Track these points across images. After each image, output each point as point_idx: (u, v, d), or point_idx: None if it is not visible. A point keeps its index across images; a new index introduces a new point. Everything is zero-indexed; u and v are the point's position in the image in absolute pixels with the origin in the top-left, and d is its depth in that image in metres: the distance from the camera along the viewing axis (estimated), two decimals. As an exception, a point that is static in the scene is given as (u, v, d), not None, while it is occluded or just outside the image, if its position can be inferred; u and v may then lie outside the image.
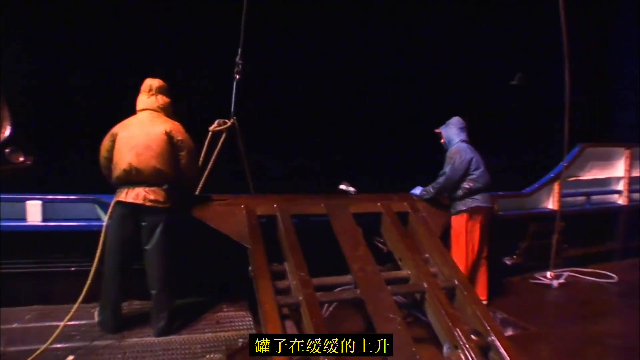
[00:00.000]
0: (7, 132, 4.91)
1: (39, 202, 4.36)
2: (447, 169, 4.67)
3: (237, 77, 4.92)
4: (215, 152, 4.86)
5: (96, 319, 4.05)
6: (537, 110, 8.64)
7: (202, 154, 4.80)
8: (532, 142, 8.76)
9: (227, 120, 4.93)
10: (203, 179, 4.77)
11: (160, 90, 4.13)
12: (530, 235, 5.96)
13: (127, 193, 3.89)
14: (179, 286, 4.21)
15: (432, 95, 8.44)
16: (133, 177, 3.89)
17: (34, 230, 4.30)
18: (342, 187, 5.02)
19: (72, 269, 4.34)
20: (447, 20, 8.48)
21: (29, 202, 4.36)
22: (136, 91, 4.18)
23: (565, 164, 6.16)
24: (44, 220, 4.37)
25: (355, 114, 8.66)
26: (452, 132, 4.86)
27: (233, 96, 4.94)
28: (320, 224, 4.41)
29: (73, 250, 4.31)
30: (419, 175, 5.25)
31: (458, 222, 4.67)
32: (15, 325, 3.98)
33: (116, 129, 4.07)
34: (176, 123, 4.11)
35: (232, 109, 4.95)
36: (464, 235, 4.62)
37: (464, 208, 4.62)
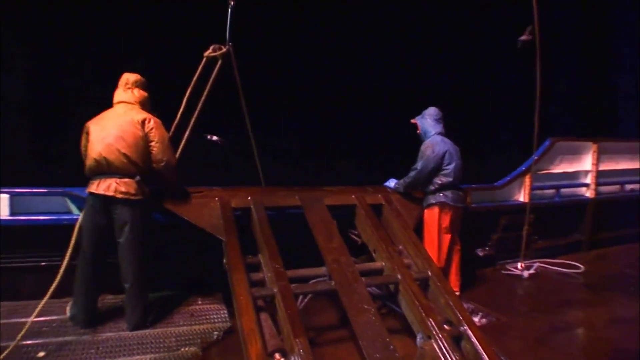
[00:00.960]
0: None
1: (7, 196, 4.25)
2: (419, 163, 4.69)
3: (232, 3, 4.73)
4: (210, 81, 4.71)
5: (68, 313, 3.98)
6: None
7: (194, 80, 4.68)
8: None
9: (222, 46, 4.74)
10: (197, 110, 4.67)
11: (137, 84, 4.09)
12: (502, 227, 6.08)
13: (98, 184, 3.83)
14: (153, 279, 4.16)
15: (419, 80, 8.42)
16: (104, 168, 3.83)
17: (2, 225, 4.19)
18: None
19: (43, 263, 4.25)
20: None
21: (-4, 196, 4.25)
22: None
23: (535, 158, 6.29)
24: (12, 214, 4.26)
25: (340, 98, 8.59)
26: (428, 123, 4.85)
27: (228, 23, 4.74)
28: (295, 216, 4.42)
29: (43, 245, 4.22)
30: (401, 164, 5.22)
31: (430, 216, 4.72)
32: (-17, 321, 3.89)
33: (89, 122, 4.01)
34: (150, 115, 4.04)
35: (227, 36, 4.75)
36: (436, 229, 4.68)
37: (434, 202, 4.68)
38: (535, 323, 4.39)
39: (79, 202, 4.25)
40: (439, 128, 4.83)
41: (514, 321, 4.43)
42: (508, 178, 6.30)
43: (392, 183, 5.00)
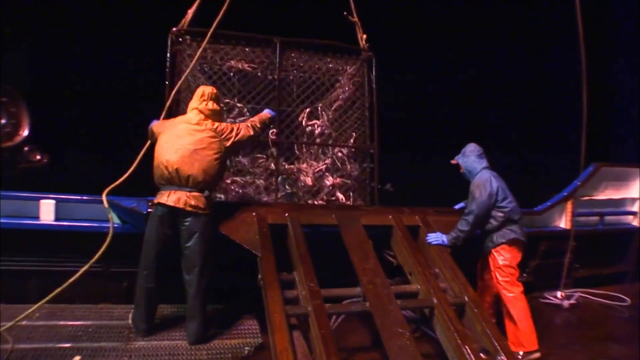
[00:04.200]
0: (26, 131, 5.01)
1: (53, 202, 4.40)
2: (473, 206, 4.29)
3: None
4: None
5: (130, 321, 4.08)
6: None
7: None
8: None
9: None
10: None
11: (212, 97, 4.16)
12: (541, 254, 5.90)
13: (169, 196, 3.86)
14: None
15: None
16: (175, 180, 3.88)
17: (47, 229, 4.33)
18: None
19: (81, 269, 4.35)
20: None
21: (42, 201, 4.40)
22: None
23: (579, 183, 6.11)
24: (57, 219, 4.40)
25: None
26: (471, 160, 4.50)
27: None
28: (331, 235, 4.39)
29: (83, 251, 4.33)
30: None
31: (503, 255, 4.30)
32: (24, 322, 3.99)
33: (158, 127, 4.15)
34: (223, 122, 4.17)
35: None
36: (512, 268, 4.29)
37: (504, 240, 4.29)
38: (576, 357, 4.22)
39: (120, 212, 4.35)
40: (484, 163, 4.49)
41: (553, 352, 4.27)
42: (549, 203, 6.13)
43: (443, 238, 4.43)
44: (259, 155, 5.13)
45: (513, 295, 4.23)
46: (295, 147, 5.27)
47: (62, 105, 6.54)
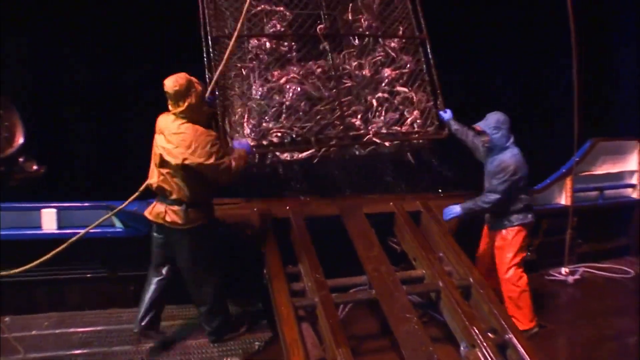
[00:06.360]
0: (20, 141, 5.00)
1: (54, 210, 4.40)
2: (501, 186, 4.04)
3: None
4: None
5: (135, 326, 3.87)
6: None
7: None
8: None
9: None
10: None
11: (177, 97, 3.41)
12: (544, 232, 5.91)
13: (152, 209, 3.66)
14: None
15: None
16: (156, 191, 3.65)
17: (50, 238, 4.33)
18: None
19: (88, 275, 4.38)
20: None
21: (44, 210, 4.40)
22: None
23: (576, 159, 6.11)
24: (59, 227, 4.40)
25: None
26: (502, 134, 4.11)
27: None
28: (334, 225, 4.41)
29: (88, 257, 4.34)
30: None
31: (513, 236, 4.18)
32: (34, 332, 4.02)
33: (159, 123, 3.62)
34: (192, 124, 3.46)
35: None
36: (520, 250, 4.21)
37: (518, 223, 4.17)
38: (583, 331, 4.25)
39: (122, 216, 4.35)
40: (512, 137, 4.16)
41: (561, 328, 4.30)
42: (547, 181, 6.13)
43: (457, 208, 4.26)
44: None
45: (513, 275, 4.17)
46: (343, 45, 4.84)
47: (61, 110, 6.46)
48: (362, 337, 4.03)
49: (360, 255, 4.06)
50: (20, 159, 5.05)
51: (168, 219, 3.56)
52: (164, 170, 3.53)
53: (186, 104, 3.42)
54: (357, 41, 4.91)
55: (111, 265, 4.41)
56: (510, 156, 4.09)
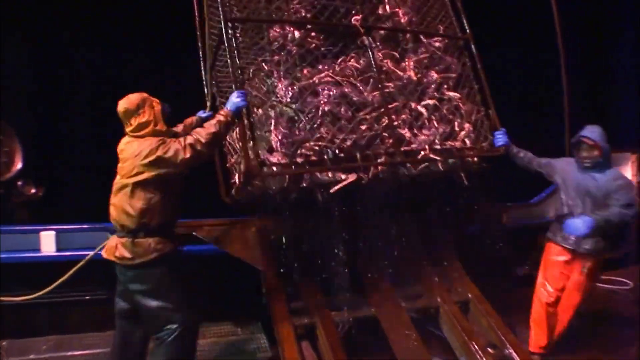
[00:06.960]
0: (19, 166, 5.04)
1: (53, 233, 4.41)
2: (633, 199, 3.64)
3: None
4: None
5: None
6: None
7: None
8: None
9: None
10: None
11: (126, 115, 3.13)
12: (540, 245, 5.92)
13: (108, 242, 3.20)
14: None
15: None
16: (115, 224, 3.14)
17: (49, 261, 4.34)
18: None
19: (87, 297, 4.37)
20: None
21: (42, 233, 4.41)
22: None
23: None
24: (58, 250, 4.41)
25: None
26: (608, 147, 3.74)
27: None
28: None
29: (87, 279, 4.34)
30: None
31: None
32: (32, 356, 4.01)
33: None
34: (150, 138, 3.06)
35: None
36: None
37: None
38: (584, 344, 4.24)
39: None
40: None
41: (561, 342, 4.28)
42: (543, 195, 6.16)
43: (581, 225, 3.61)
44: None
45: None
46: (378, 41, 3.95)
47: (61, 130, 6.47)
48: (362, 355, 4.02)
49: (360, 270, 4.06)
50: (19, 183, 5.11)
51: (117, 254, 3.05)
52: (116, 199, 3.08)
53: (136, 122, 3.09)
54: (400, 37, 4.09)
55: (110, 288, 4.39)
56: (622, 172, 3.83)
